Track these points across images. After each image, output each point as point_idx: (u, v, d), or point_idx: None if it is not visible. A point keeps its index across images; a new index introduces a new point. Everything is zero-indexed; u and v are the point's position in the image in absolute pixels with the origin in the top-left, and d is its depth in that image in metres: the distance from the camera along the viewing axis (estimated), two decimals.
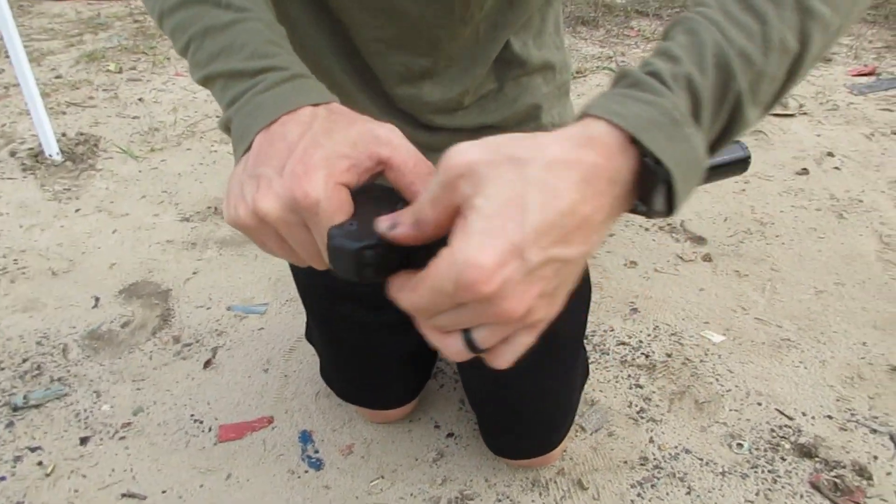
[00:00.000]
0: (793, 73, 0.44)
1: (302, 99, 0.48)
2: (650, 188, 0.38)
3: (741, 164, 0.48)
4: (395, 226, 0.41)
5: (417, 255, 0.41)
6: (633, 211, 0.41)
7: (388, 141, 0.46)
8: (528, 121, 0.86)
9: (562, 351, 0.99)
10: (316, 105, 0.48)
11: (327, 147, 0.45)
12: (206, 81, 0.52)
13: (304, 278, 1.03)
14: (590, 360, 1.23)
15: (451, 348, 0.41)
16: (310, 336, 1.18)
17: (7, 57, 2.19)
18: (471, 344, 0.40)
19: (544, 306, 0.39)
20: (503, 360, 0.41)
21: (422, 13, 0.69)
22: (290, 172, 0.44)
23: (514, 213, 0.35)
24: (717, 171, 0.46)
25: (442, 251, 0.37)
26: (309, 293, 1.06)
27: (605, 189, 0.38)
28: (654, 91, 0.40)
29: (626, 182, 0.39)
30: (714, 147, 0.44)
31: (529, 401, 0.99)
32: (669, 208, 0.39)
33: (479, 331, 0.39)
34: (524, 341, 0.41)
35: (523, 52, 0.81)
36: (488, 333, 0.39)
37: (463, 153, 0.38)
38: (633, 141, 0.38)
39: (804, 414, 1.17)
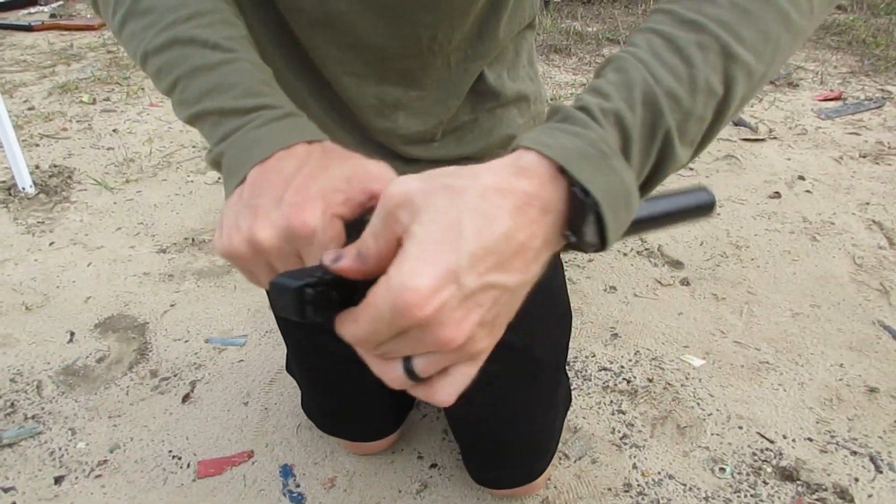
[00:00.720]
0: (719, 114, 0.45)
1: (296, 136, 0.50)
2: (581, 219, 0.39)
3: (706, 209, 0.48)
4: (338, 258, 0.41)
5: (359, 293, 0.41)
6: (567, 244, 0.41)
7: (379, 176, 0.48)
8: (505, 152, 0.87)
9: (544, 379, 0.99)
10: (310, 143, 0.50)
11: (323, 181, 0.47)
12: (194, 119, 0.53)
13: None
14: (572, 387, 1.23)
15: (391, 375, 0.41)
16: (290, 368, 1.17)
17: None
18: (410, 372, 0.40)
19: (485, 336, 0.39)
20: (445, 393, 0.41)
21: (388, 45, 0.70)
22: (288, 202, 0.45)
23: (450, 238, 0.36)
24: (682, 215, 0.47)
25: (380, 278, 0.37)
26: (287, 325, 1.05)
27: (538, 217, 0.39)
28: (583, 124, 0.41)
29: (558, 212, 0.40)
30: (648, 184, 0.45)
31: (513, 430, 0.99)
32: (601, 241, 0.40)
33: (418, 359, 0.39)
34: (466, 373, 0.41)
35: (497, 84, 0.82)
36: (427, 362, 0.39)
37: (400, 184, 0.39)
38: (563, 171, 0.39)
39: (785, 437, 1.18)
